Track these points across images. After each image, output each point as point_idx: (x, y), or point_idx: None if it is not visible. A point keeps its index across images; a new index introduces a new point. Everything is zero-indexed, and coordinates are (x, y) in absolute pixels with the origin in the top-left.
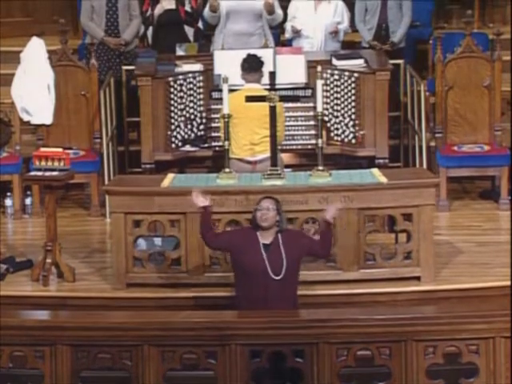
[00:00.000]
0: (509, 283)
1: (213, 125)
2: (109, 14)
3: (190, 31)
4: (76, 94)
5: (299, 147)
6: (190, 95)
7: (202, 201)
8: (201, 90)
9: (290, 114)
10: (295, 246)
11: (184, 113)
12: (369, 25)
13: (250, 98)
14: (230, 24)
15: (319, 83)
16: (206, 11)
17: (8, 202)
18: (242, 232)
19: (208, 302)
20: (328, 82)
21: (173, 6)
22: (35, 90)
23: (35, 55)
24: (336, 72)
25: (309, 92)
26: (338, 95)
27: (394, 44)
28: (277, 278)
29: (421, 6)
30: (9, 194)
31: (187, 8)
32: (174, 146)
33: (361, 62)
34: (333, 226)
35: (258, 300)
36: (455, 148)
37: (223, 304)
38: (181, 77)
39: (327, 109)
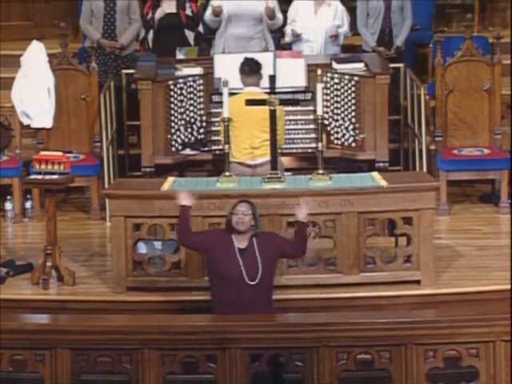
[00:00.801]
0: (509, 287)
1: (213, 128)
2: (106, 18)
3: (190, 35)
4: (76, 98)
5: (299, 151)
6: (190, 99)
7: (184, 199)
8: (201, 94)
9: (290, 117)
10: (270, 249)
11: (184, 116)
12: (372, 29)
13: (250, 102)
14: (231, 28)
15: (319, 87)
16: (207, 15)
17: (8, 205)
18: (217, 234)
19: (208, 305)
20: (328, 85)
21: (173, 9)
22: (35, 93)
23: (35, 59)
24: (336, 75)
25: (309, 95)
26: (338, 99)
27: (399, 48)
28: (252, 283)
29: (421, 10)
30: (9, 197)
31: (188, 12)
32: (174, 149)
33: (361, 65)
34: (306, 226)
35: (233, 304)
36: (455, 151)
37: None
38: (181, 80)
39: (327, 112)
